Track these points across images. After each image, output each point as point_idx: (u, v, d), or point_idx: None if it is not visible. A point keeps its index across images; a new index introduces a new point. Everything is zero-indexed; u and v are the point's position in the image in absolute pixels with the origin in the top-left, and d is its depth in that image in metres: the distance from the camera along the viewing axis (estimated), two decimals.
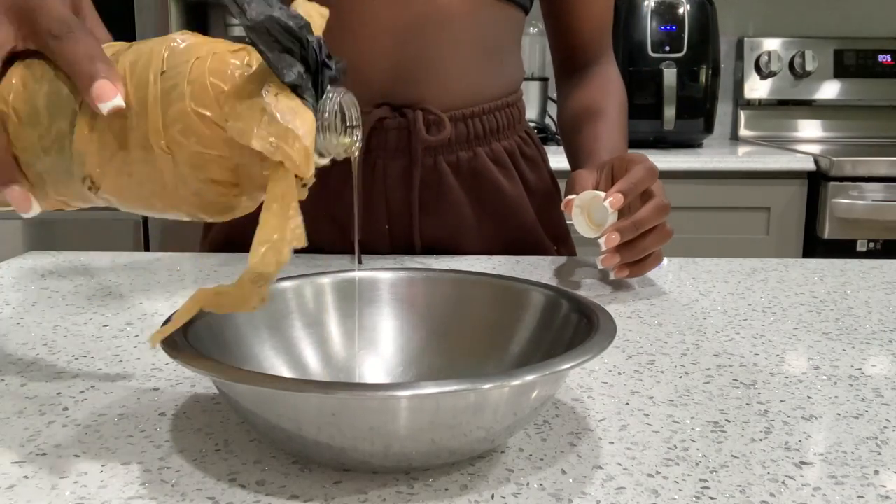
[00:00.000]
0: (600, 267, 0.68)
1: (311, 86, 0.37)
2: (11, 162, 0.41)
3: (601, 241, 0.66)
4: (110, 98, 0.38)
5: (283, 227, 0.36)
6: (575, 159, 0.90)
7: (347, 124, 0.39)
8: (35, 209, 0.42)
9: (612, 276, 0.70)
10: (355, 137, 0.40)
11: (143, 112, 0.38)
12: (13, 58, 0.41)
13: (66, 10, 0.42)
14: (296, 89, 0.37)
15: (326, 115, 0.38)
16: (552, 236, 0.91)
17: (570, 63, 0.96)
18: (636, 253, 0.68)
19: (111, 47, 0.42)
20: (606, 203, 0.66)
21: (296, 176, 0.37)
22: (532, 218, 0.89)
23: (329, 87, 0.38)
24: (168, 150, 0.38)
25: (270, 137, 0.36)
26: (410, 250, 0.84)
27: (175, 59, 0.38)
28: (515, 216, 0.87)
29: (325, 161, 0.39)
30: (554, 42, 0.96)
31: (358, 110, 0.40)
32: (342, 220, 0.83)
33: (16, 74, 0.41)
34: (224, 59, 0.38)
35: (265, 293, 0.36)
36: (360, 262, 0.80)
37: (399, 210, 0.83)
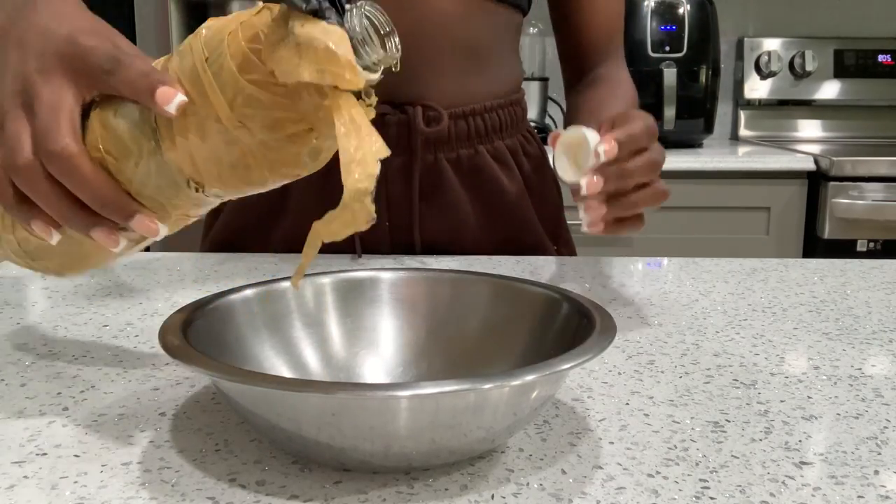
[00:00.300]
0: (581, 215, 0.59)
1: (331, 5, 0.39)
2: (125, 197, 0.43)
3: (582, 182, 0.57)
4: (172, 98, 0.40)
5: (362, 143, 0.38)
6: (573, 119, 0.86)
7: (382, 32, 0.40)
8: (163, 231, 0.44)
9: (583, 229, 0.60)
10: (395, 42, 0.41)
11: (206, 101, 0.40)
12: (87, 109, 0.44)
13: (106, 44, 0.44)
14: (317, 13, 0.38)
15: (357, 28, 0.39)
16: (552, 237, 0.91)
17: (578, 67, 0.94)
18: (623, 208, 0.60)
19: (156, 63, 0.44)
20: (600, 148, 0.57)
21: (355, 95, 0.39)
22: (532, 216, 0.88)
23: (348, 5, 0.39)
24: (241, 124, 0.40)
25: (313, 65, 0.37)
26: (410, 248, 0.84)
27: (212, 44, 0.41)
28: (516, 214, 0.87)
29: (376, 76, 0.41)
30: (562, 46, 0.95)
31: (385, 15, 0.41)
32: None
33: (95, 121, 0.43)
34: (250, 23, 0.40)
35: (370, 207, 0.38)
36: (359, 255, 0.81)
37: (399, 207, 0.83)
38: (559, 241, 0.92)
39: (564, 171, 0.60)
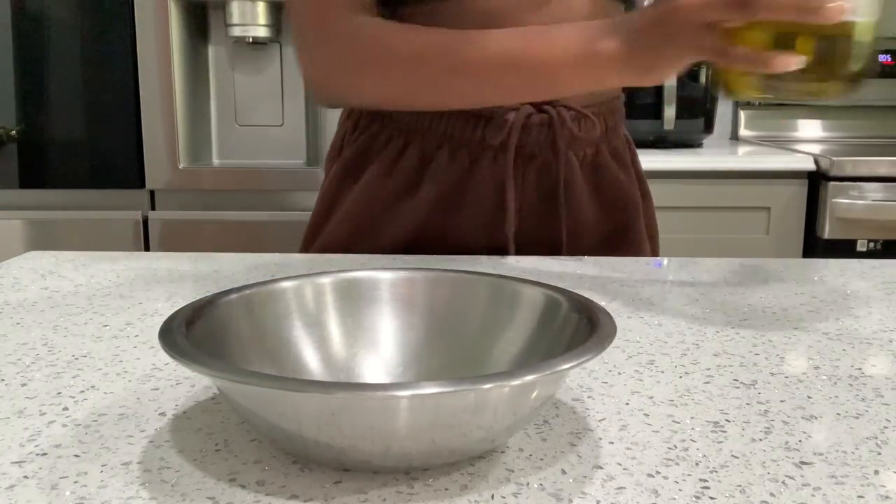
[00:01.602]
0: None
1: None
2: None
3: None
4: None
5: None
6: None
7: None
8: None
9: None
10: None
11: None
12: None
13: None
14: None
15: None
16: (651, 233, 0.95)
17: None
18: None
19: None
20: None
21: None
22: (640, 211, 0.92)
23: None
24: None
25: None
26: (545, 245, 0.87)
27: None
28: (629, 209, 0.90)
29: None
30: None
31: None
32: (474, 218, 0.86)
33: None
34: None
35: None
36: (512, 252, 0.84)
37: (532, 207, 0.86)
38: (652, 240, 0.96)
39: None
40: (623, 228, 0.91)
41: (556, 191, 0.85)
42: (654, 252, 0.97)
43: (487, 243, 0.85)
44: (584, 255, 0.88)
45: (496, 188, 0.84)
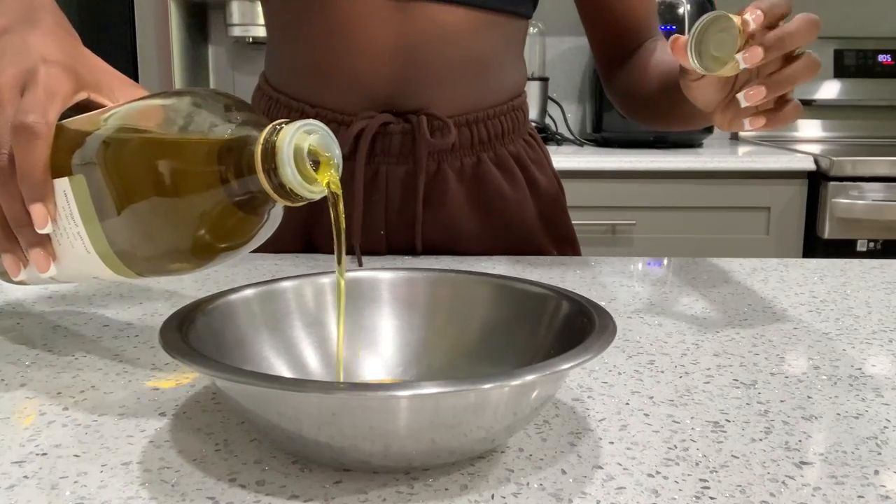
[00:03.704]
0: (744, 104, 0.56)
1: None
2: (44, 211, 0.46)
3: (739, 58, 0.54)
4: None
5: None
6: (652, 78, 0.83)
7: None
8: (52, 271, 0.49)
9: (747, 127, 0.58)
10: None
11: None
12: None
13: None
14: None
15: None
16: (558, 239, 0.91)
17: (619, 52, 0.91)
18: (781, 85, 0.55)
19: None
20: (749, 17, 0.53)
21: None
22: (535, 223, 0.88)
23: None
24: None
25: None
26: (410, 254, 0.84)
27: None
28: (518, 222, 0.87)
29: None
30: (598, 35, 0.92)
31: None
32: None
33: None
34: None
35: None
36: (360, 264, 0.80)
37: (401, 215, 0.83)
38: (564, 243, 0.92)
39: (707, 61, 0.56)
40: (517, 241, 0.87)
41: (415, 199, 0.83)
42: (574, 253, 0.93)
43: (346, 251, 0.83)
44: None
45: (351, 195, 0.81)
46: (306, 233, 0.86)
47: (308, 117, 0.77)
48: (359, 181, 0.80)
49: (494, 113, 0.85)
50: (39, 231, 0.46)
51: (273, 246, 0.83)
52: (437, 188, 0.83)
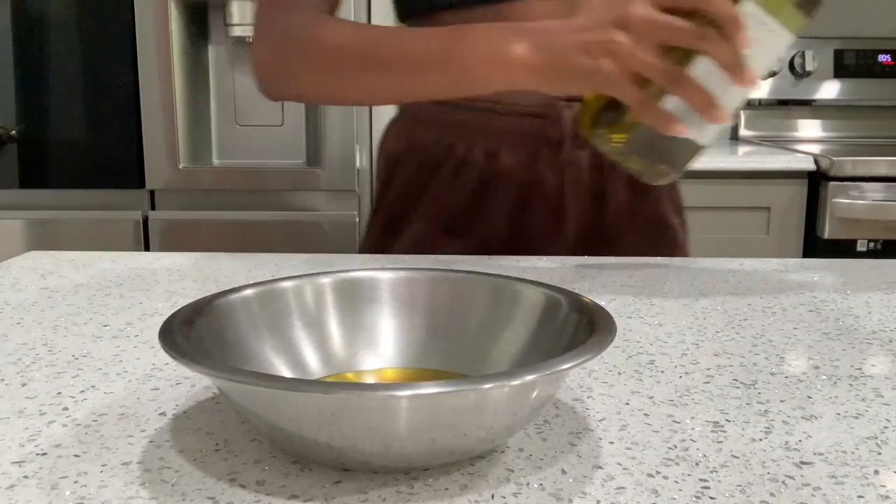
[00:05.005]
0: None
1: None
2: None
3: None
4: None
5: None
6: None
7: None
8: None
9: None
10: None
11: None
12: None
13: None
14: None
15: None
16: (677, 209, 0.97)
17: None
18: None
19: None
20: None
21: None
22: (665, 198, 0.94)
23: None
24: None
25: None
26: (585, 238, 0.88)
27: None
28: (657, 193, 0.92)
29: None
30: None
31: None
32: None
33: None
34: None
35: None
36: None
37: (583, 196, 0.87)
38: (679, 214, 0.98)
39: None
40: (656, 217, 0.92)
41: (603, 191, 0.87)
42: (683, 229, 0.99)
43: (551, 241, 0.88)
44: (624, 248, 0.89)
45: (557, 184, 0.86)
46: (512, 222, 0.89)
47: (500, 116, 0.86)
48: (568, 164, 0.86)
49: None
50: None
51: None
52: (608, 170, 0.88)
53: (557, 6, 0.79)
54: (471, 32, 0.69)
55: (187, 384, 0.47)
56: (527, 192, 0.87)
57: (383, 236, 0.93)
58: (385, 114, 2.09)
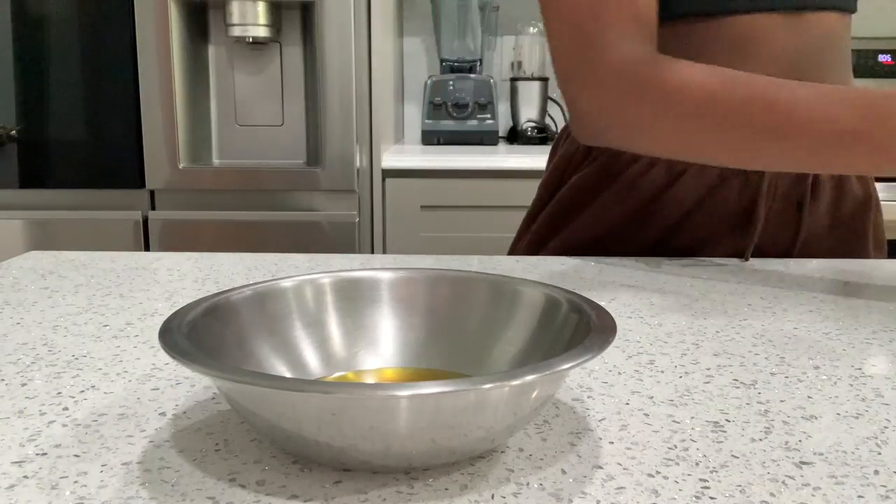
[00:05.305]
0: None
1: None
2: None
3: None
4: None
5: None
6: None
7: None
8: None
9: None
10: None
11: None
12: None
13: None
14: None
15: None
16: (875, 244, 0.94)
17: None
18: None
19: None
20: None
21: None
22: (870, 219, 0.92)
23: None
24: None
25: None
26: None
27: None
28: (859, 218, 0.90)
29: None
30: None
31: None
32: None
33: None
34: None
35: None
36: (747, 259, 0.84)
37: (774, 216, 0.86)
38: (879, 245, 0.94)
39: None
40: (853, 239, 0.90)
41: (802, 201, 0.85)
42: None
43: (723, 253, 0.87)
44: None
45: (745, 201, 0.85)
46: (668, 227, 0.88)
47: None
48: (764, 183, 0.84)
49: None
50: None
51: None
52: (812, 186, 0.87)
53: (781, 19, 0.79)
54: (888, 109, 0.62)
55: (187, 384, 0.47)
56: (702, 212, 0.85)
57: (548, 231, 0.92)
58: (383, 113, 2.08)
